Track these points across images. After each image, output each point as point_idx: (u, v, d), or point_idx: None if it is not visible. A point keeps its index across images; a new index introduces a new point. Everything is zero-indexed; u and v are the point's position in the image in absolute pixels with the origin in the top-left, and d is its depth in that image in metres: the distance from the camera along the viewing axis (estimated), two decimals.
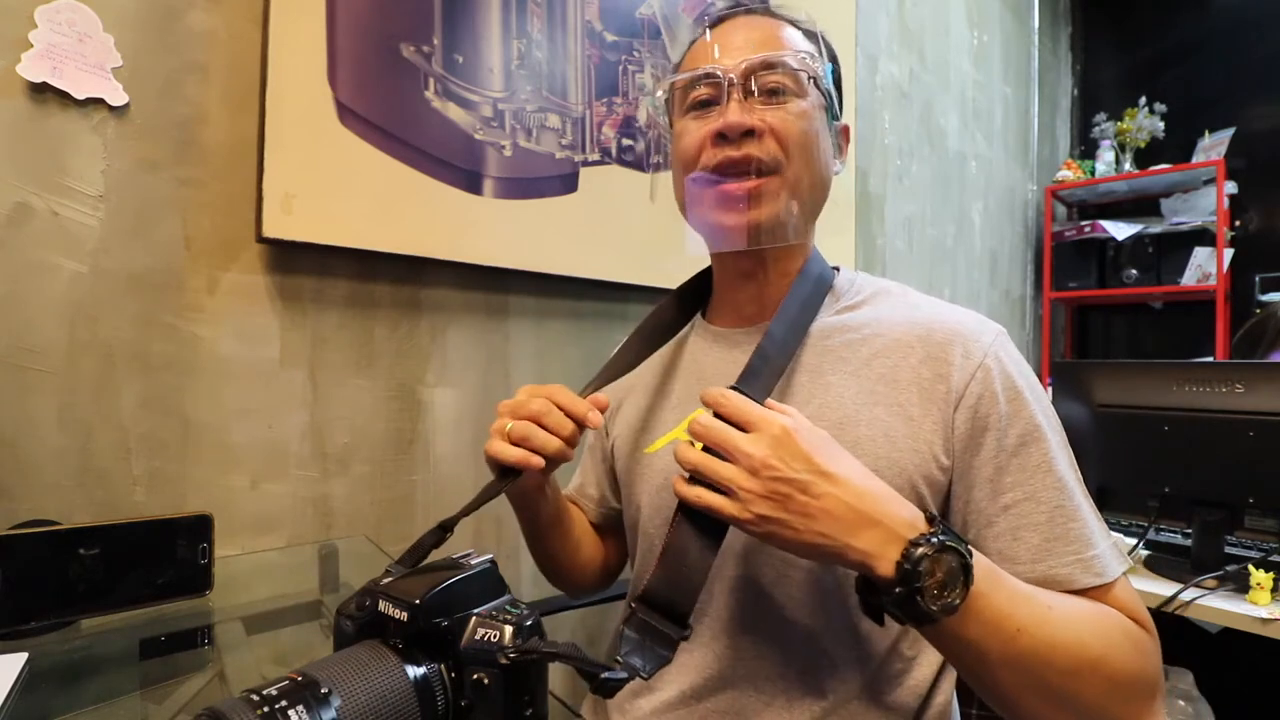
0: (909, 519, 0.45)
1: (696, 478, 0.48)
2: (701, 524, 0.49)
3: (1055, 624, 0.47)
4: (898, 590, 0.43)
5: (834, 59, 0.68)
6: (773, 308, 0.68)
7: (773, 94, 0.62)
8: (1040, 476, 0.55)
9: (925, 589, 0.42)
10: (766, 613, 0.60)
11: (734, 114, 0.61)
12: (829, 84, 0.66)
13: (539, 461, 0.56)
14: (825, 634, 0.59)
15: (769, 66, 0.62)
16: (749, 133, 0.60)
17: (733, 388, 0.53)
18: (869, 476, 0.47)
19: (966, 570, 0.44)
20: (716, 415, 0.49)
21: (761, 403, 0.54)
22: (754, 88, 0.62)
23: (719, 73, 0.62)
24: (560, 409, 0.58)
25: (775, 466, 0.45)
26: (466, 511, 0.56)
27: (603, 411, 0.60)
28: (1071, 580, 0.52)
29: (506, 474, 0.59)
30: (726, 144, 0.61)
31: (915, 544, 0.43)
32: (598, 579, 0.80)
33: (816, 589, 0.59)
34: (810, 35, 0.67)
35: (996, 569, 0.48)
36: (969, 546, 0.45)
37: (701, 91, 0.64)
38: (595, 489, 0.81)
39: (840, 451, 0.48)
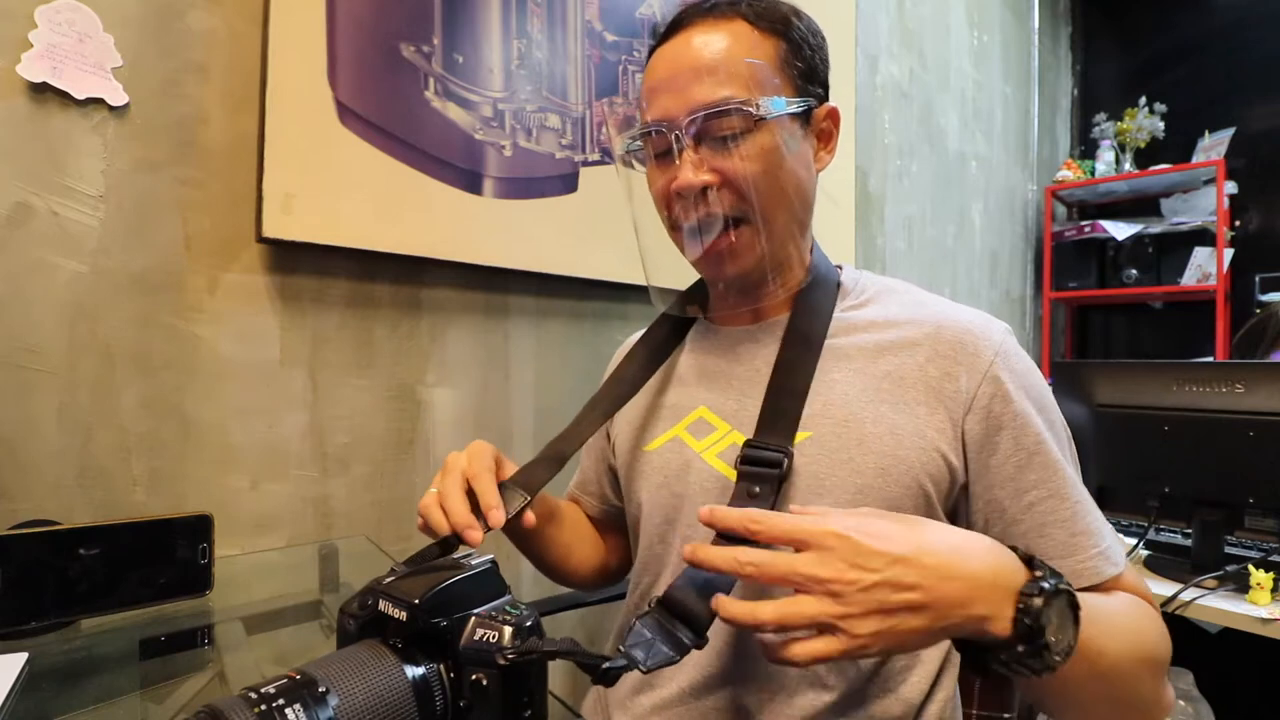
0: (1008, 565, 0.41)
1: (781, 629, 0.41)
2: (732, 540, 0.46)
3: (1119, 636, 0.48)
4: (1020, 649, 0.39)
5: (807, 39, 0.63)
6: (773, 308, 0.68)
7: (725, 140, 0.58)
8: (1059, 473, 0.56)
9: (1049, 642, 0.39)
10: None
11: (686, 174, 0.58)
12: (783, 108, 0.59)
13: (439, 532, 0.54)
14: None
15: (715, 116, 0.58)
16: (706, 189, 0.59)
17: (750, 443, 0.55)
18: (934, 530, 0.42)
19: (1075, 608, 0.41)
20: (745, 540, 0.43)
21: (791, 436, 0.56)
22: (704, 135, 0.59)
23: (664, 128, 0.59)
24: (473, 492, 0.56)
25: (858, 580, 0.39)
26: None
27: (526, 525, 0.58)
28: (1098, 573, 0.54)
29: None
30: (688, 202, 0.59)
31: (1028, 594, 0.40)
32: (597, 578, 0.80)
33: None
34: (767, 25, 0.61)
35: (1081, 597, 0.44)
36: (1067, 580, 0.42)
37: (653, 144, 0.62)
38: (596, 486, 0.81)
39: (887, 522, 0.42)
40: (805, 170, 0.63)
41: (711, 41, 0.60)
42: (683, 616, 0.46)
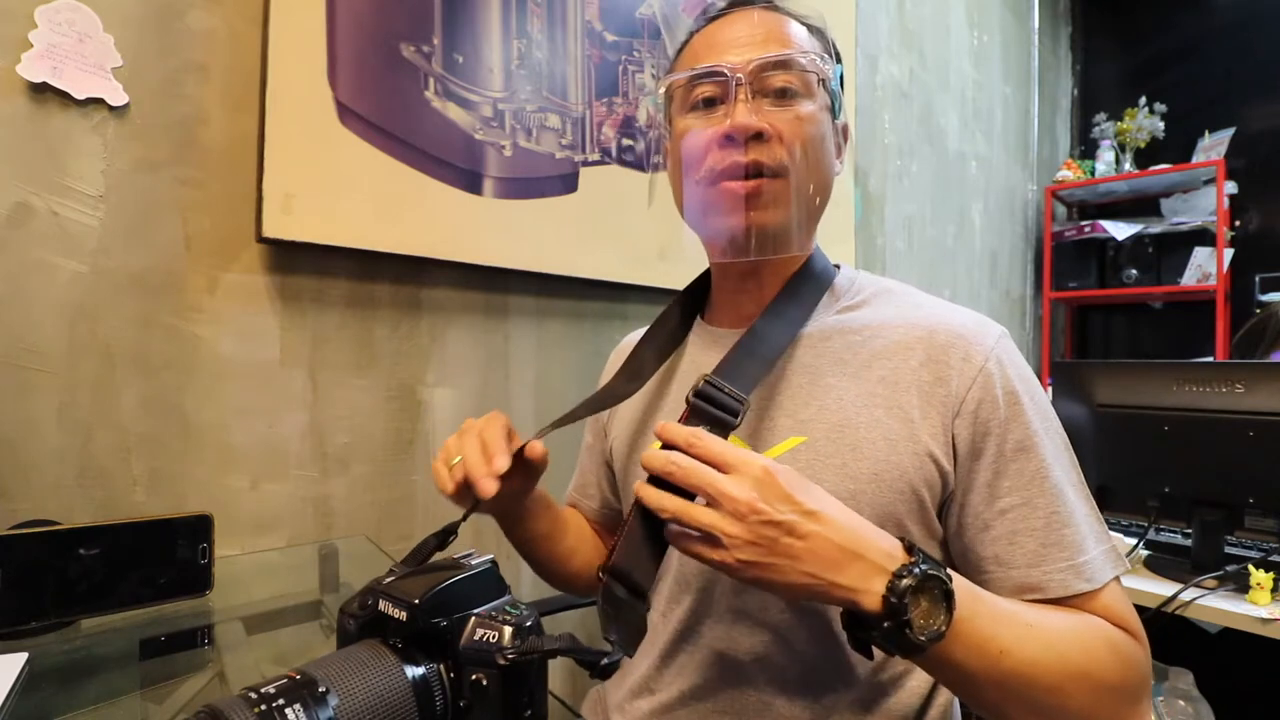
0: (889, 550, 0.45)
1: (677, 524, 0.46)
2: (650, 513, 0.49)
3: (1037, 642, 0.48)
4: (885, 624, 0.43)
5: (839, 57, 0.67)
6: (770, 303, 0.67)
7: (781, 95, 0.60)
8: (1037, 482, 0.55)
9: (912, 620, 0.42)
10: (767, 614, 0.60)
11: (741, 116, 0.59)
12: (835, 84, 0.64)
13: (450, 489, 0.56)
14: (826, 635, 0.59)
15: (778, 66, 0.60)
16: (756, 136, 0.59)
17: (708, 380, 0.53)
18: (846, 510, 0.47)
19: (949, 597, 0.44)
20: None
21: (748, 395, 0.54)
22: (761, 88, 0.60)
23: (726, 71, 0.60)
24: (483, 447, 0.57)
25: (761, 510, 0.43)
26: (466, 515, 0.56)
27: (539, 459, 0.60)
28: (1065, 586, 0.52)
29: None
30: (733, 146, 0.60)
31: (899, 575, 0.43)
32: (593, 581, 0.80)
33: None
34: (816, 32, 0.65)
35: (976, 591, 0.48)
36: (949, 572, 0.45)
37: (705, 89, 0.62)
38: (596, 489, 0.81)
39: (815, 488, 0.47)
40: (832, 161, 0.65)
41: (772, 18, 0.63)
42: (626, 580, 0.48)
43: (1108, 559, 0.54)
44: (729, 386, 0.54)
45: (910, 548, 0.46)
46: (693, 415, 0.53)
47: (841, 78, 0.67)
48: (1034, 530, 0.54)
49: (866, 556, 0.44)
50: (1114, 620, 0.52)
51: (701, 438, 0.47)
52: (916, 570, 0.43)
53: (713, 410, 0.53)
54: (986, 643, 0.46)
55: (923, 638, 0.42)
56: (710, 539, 0.45)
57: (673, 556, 0.63)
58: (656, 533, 0.48)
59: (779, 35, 0.62)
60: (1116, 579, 0.55)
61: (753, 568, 0.44)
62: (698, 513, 0.45)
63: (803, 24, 0.65)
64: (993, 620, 0.47)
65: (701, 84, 0.62)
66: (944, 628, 0.43)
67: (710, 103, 0.62)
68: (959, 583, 0.46)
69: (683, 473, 0.46)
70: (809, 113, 0.61)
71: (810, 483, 0.47)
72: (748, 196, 0.60)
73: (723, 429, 0.52)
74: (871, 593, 0.43)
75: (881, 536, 0.46)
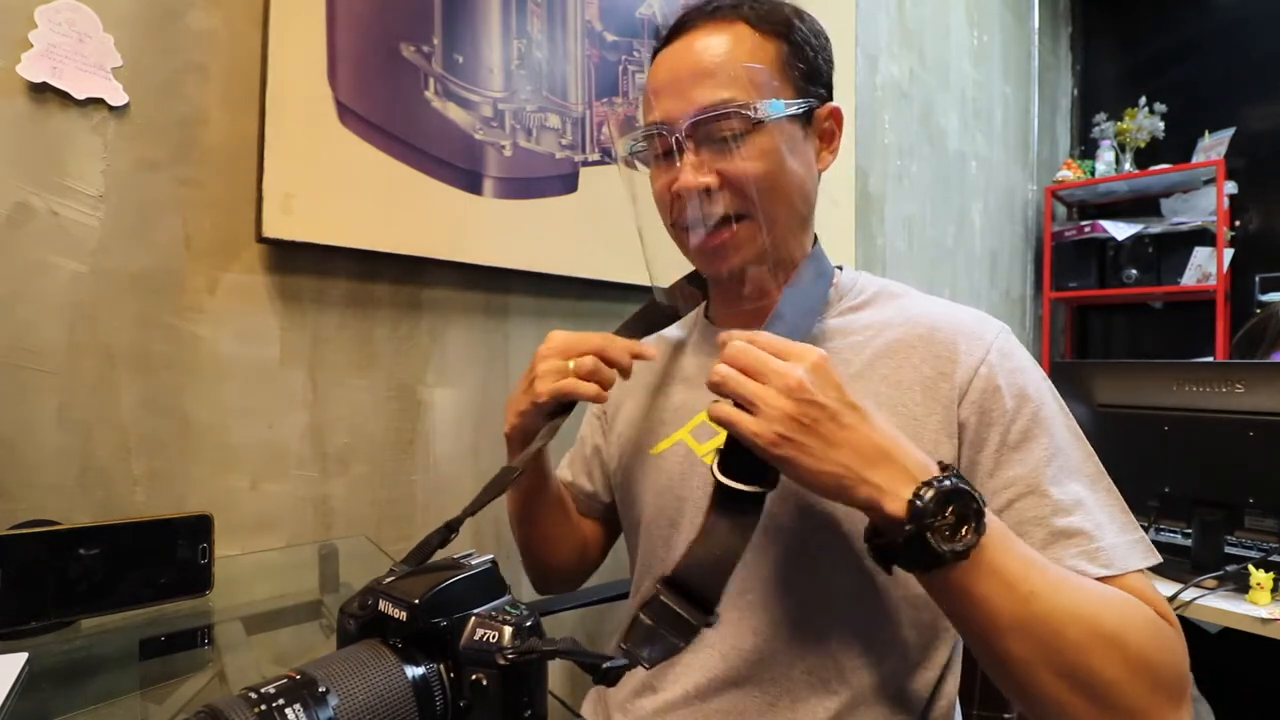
0: (923, 462, 0.45)
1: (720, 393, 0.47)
2: (737, 507, 0.47)
3: (1069, 592, 0.46)
4: (908, 528, 0.42)
5: (809, 40, 0.63)
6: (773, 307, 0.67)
7: (726, 141, 0.59)
8: (1042, 471, 0.54)
9: (936, 528, 0.42)
10: (772, 614, 0.60)
11: (687, 176, 0.59)
12: (782, 110, 0.60)
13: (604, 395, 0.61)
14: (831, 636, 0.59)
15: (715, 119, 0.59)
16: (707, 190, 0.60)
17: None
18: (889, 423, 0.47)
19: (979, 515, 0.43)
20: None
21: None
22: (704, 138, 0.60)
23: (665, 131, 0.60)
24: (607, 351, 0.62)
25: (809, 390, 0.44)
26: (474, 509, 0.56)
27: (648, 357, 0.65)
28: (1080, 572, 0.51)
29: (560, 411, 0.64)
30: (691, 199, 0.60)
31: (928, 484, 0.43)
32: (575, 569, 0.81)
33: (822, 591, 0.59)
34: (769, 27, 0.61)
35: (1010, 532, 0.47)
36: (982, 495, 0.44)
37: (655, 145, 0.63)
38: (588, 482, 0.81)
39: (866, 396, 0.48)
40: (806, 169, 0.64)
41: (712, 45, 0.60)
42: (691, 595, 0.45)
43: (1133, 548, 0.52)
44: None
45: (944, 465, 0.45)
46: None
47: (818, 60, 0.64)
48: (1040, 520, 0.53)
49: (900, 461, 0.44)
50: (1148, 604, 0.50)
51: (759, 334, 0.49)
52: (947, 483, 0.43)
53: None
54: (1016, 580, 0.44)
55: (945, 549, 0.42)
56: (750, 408, 0.45)
57: None
58: (735, 537, 0.46)
59: (722, 69, 0.59)
60: (1143, 572, 0.52)
61: (786, 444, 0.44)
62: (742, 380, 0.46)
63: (752, 26, 0.61)
64: (1024, 561, 0.46)
65: (652, 140, 0.63)
66: (971, 544, 0.43)
67: (667, 154, 0.62)
68: (994, 519, 0.45)
69: (737, 354, 0.47)
70: (759, 149, 0.60)
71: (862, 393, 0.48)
72: (714, 246, 0.62)
73: None
74: (898, 496, 0.43)
75: (918, 451, 0.46)
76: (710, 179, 0.59)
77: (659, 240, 0.69)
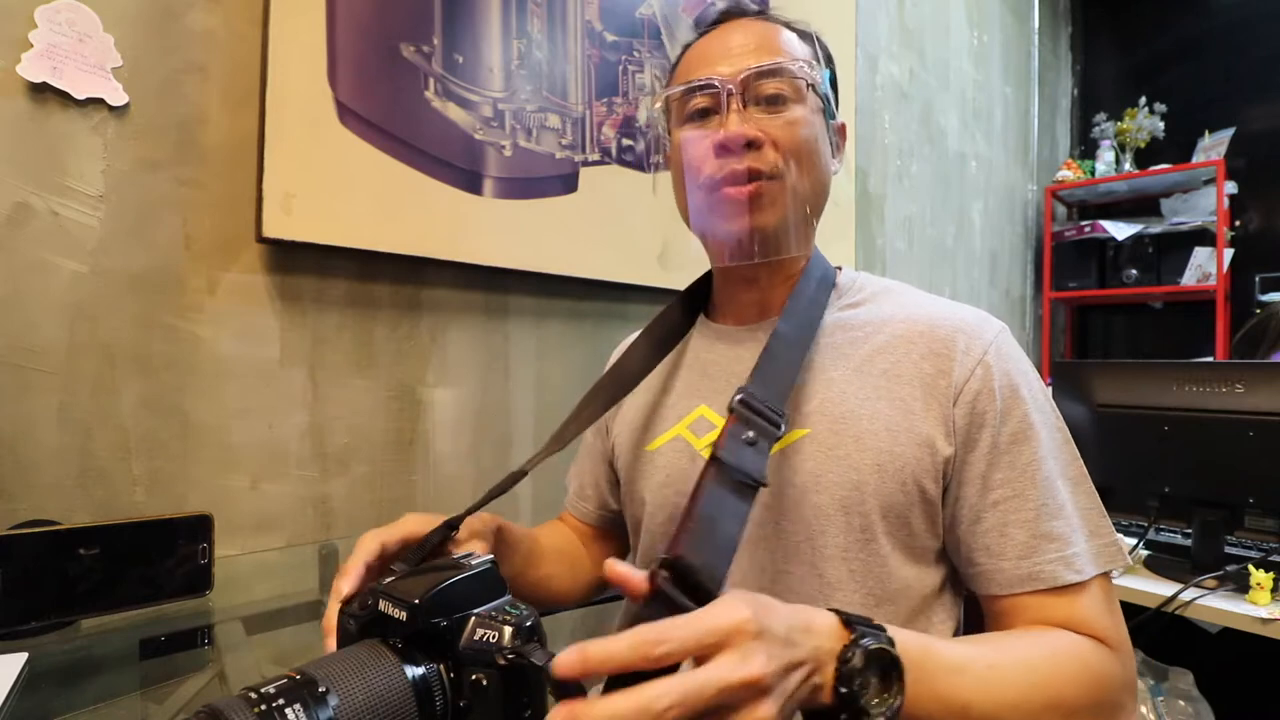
0: (833, 629, 0.40)
1: None
2: (728, 491, 0.45)
3: (1001, 684, 0.46)
4: (843, 717, 0.38)
5: (830, 61, 0.69)
6: (775, 308, 0.68)
7: (772, 102, 0.62)
8: (1029, 474, 0.55)
9: (868, 708, 0.38)
10: None
11: (734, 126, 0.60)
12: (826, 88, 0.65)
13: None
14: None
15: (767, 74, 0.62)
16: (750, 144, 0.60)
17: (746, 391, 0.51)
18: (781, 604, 0.39)
19: (896, 665, 0.40)
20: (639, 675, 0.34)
21: (785, 401, 0.52)
22: (752, 96, 0.62)
23: (716, 82, 0.62)
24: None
25: (782, 661, 0.36)
26: (475, 509, 0.56)
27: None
28: (1056, 577, 0.53)
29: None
30: (729, 154, 0.61)
31: (844, 659, 0.38)
32: (581, 597, 0.76)
33: (814, 589, 0.59)
34: (805, 38, 0.67)
35: (926, 647, 0.44)
36: (889, 636, 0.40)
37: (699, 101, 0.64)
38: (594, 490, 0.81)
39: (769, 600, 0.39)
40: (828, 162, 0.67)
41: (759, 28, 0.66)
42: (693, 584, 0.40)
43: (1098, 553, 0.55)
44: (766, 394, 0.52)
45: (847, 620, 0.40)
46: (735, 423, 0.49)
47: (834, 81, 0.68)
48: (1025, 522, 0.54)
49: (822, 644, 0.38)
50: (1090, 628, 0.52)
51: (666, 636, 0.34)
52: (861, 645, 0.38)
53: (757, 420, 0.50)
54: (949, 701, 0.44)
55: (883, 719, 0.38)
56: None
57: None
58: (731, 519, 0.44)
59: (769, 44, 0.64)
60: (1106, 575, 0.55)
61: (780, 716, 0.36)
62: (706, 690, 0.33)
63: (793, 30, 0.67)
64: (949, 673, 0.44)
65: (696, 96, 0.64)
66: (899, 701, 0.39)
67: (705, 113, 0.64)
68: (905, 643, 0.41)
69: (685, 710, 0.32)
70: (801, 117, 0.62)
71: (751, 597, 0.38)
72: (749, 200, 0.61)
73: (768, 439, 0.50)
74: (827, 685, 0.38)
75: (814, 612, 0.40)
76: (755, 132, 0.61)
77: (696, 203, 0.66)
